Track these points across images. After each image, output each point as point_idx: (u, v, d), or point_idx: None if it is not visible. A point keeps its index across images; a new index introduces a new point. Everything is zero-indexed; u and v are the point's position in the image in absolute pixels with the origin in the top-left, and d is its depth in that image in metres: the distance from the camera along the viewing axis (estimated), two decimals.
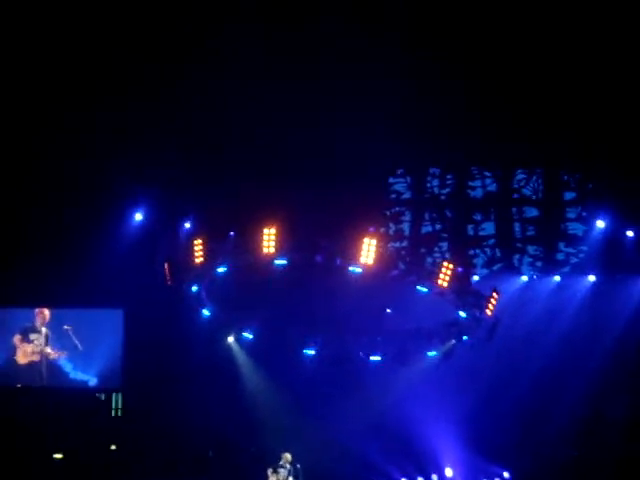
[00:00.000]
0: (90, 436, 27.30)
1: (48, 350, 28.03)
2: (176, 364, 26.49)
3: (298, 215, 23.71)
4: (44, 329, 28.02)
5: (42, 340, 28.02)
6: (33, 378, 27.94)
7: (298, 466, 22.77)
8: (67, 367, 28.06)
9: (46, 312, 27.97)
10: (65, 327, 27.76)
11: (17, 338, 28.11)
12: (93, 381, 28.12)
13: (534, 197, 28.49)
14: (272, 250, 22.81)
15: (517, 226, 28.44)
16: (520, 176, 28.36)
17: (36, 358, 28.09)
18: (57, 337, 27.90)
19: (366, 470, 24.83)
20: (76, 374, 28.15)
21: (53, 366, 28.03)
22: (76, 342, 27.64)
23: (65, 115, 25.32)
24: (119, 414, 28.51)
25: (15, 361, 28.17)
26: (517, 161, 28.27)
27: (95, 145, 25.37)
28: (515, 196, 28.58)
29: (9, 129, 25.63)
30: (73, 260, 25.78)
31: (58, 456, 26.99)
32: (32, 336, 28.07)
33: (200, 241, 23.34)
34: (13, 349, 28.14)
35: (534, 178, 28.33)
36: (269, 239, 22.77)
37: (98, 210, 26.06)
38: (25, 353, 28.17)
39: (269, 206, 23.05)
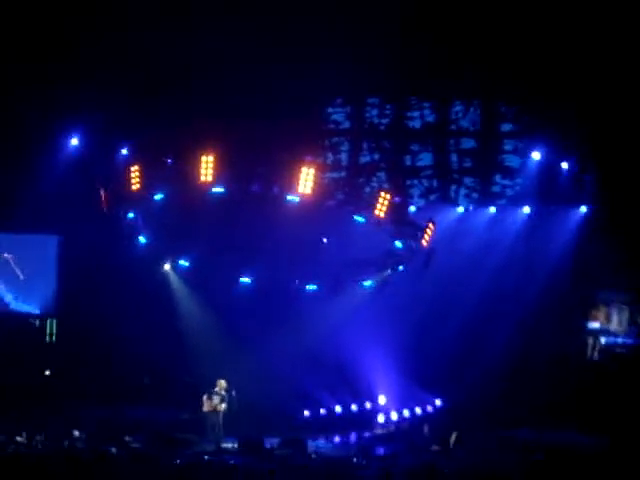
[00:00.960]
0: (24, 361, 27.16)
1: None
2: (112, 291, 26.42)
3: (236, 143, 23.54)
4: None
5: None
6: None
7: (233, 393, 22.91)
8: (7, 298, 27.80)
9: None
10: (5, 255, 27.44)
11: None
12: (36, 311, 28.02)
13: (471, 129, 28.57)
14: (209, 178, 22.66)
15: (454, 157, 28.53)
16: (458, 107, 28.38)
17: None
18: None
19: (301, 398, 25.03)
20: (18, 305, 27.94)
21: None
22: (17, 271, 27.37)
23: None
24: (53, 340, 28.43)
25: None
26: (455, 92, 28.21)
27: (33, 70, 24.90)
28: (452, 127, 28.62)
29: None
30: (9, 185, 25.45)
31: None
32: None
33: (137, 168, 23.11)
34: None
35: (472, 110, 28.37)
36: (206, 167, 22.59)
37: (35, 135, 25.66)
38: None
39: (207, 134, 22.85)
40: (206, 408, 22.98)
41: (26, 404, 24.81)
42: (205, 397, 23.08)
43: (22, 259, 27.37)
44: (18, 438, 20.70)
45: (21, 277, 27.43)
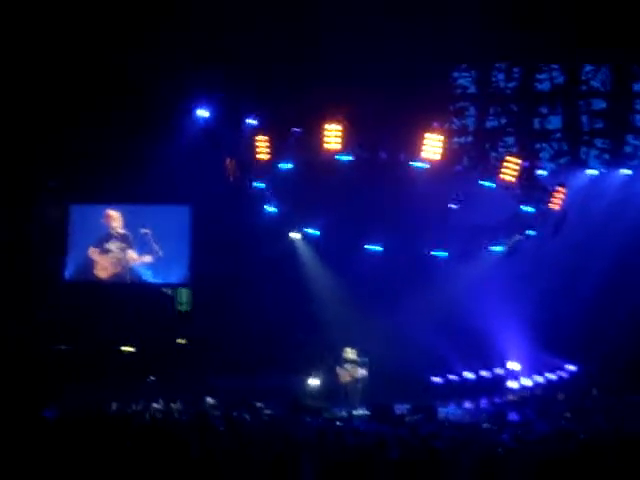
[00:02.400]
0: (159, 330, 27.71)
1: (133, 255, 28.18)
2: (241, 260, 26.73)
3: (362, 111, 23.47)
4: (122, 231, 28.15)
5: (121, 246, 28.11)
6: (119, 293, 28.06)
7: (366, 360, 23.03)
8: (146, 275, 28.33)
9: (113, 214, 28.10)
10: (143, 231, 27.87)
11: (92, 251, 28.11)
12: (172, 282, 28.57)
13: (602, 89, 27.87)
14: (336, 146, 22.67)
15: (584, 119, 27.91)
16: (588, 68, 27.74)
17: (118, 270, 28.24)
18: (136, 243, 28.08)
19: (432, 365, 24.98)
20: (156, 280, 28.51)
21: (136, 275, 28.25)
22: (156, 247, 27.82)
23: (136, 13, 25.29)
24: (186, 309, 28.89)
25: (95, 275, 28.33)
26: (586, 53, 27.54)
27: (160, 44, 25.24)
28: (583, 88, 27.99)
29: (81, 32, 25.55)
30: (140, 157, 25.89)
31: (127, 349, 27.45)
32: (108, 245, 28.15)
33: (264, 137, 23.25)
34: (90, 262, 28.31)
35: (602, 70, 27.68)
36: (333, 135, 22.61)
37: (164, 107, 26.03)
38: (104, 267, 28.24)
39: (334, 102, 22.84)
40: (343, 379, 23.14)
41: (161, 372, 25.36)
42: (338, 368, 23.24)
43: (158, 232, 27.80)
44: (155, 405, 21.17)
45: (160, 254, 27.89)
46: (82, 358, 25.86)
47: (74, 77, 26.05)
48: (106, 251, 28.06)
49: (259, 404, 21.63)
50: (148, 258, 27.97)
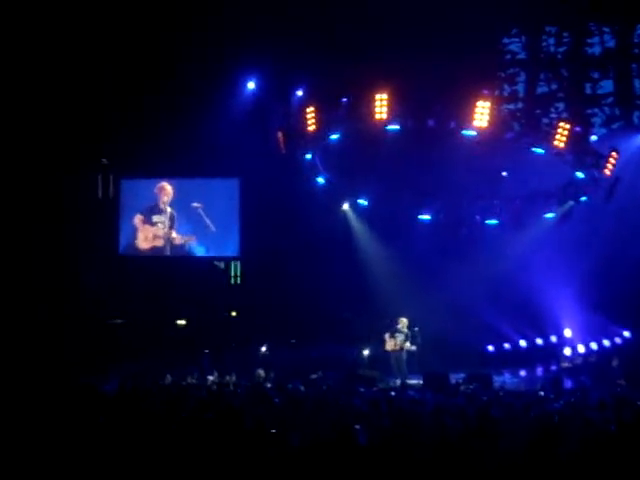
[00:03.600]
0: (211, 303, 27.87)
1: (174, 235, 28.23)
2: (292, 232, 26.75)
3: (410, 80, 23.33)
4: (169, 209, 28.21)
5: (167, 222, 28.25)
6: (155, 265, 28.22)
7: (416, 329, 23.00)
8: (199, 251, 28.43)
9: (167, 187, 28.18)
10: (194, 205, 27.91)
11: (138, 218, 28.26)
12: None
13: None
14: (385, 116, 22.54)
15: (637, 82, 27.52)
16: None
17: (159, 243, 28.31)
18: (185, 218, 28.14)
19: (486, 332, 24.92)
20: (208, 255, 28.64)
21: (180, 251, 28.29)
22: (208, 222, 27.85)
23: None
24: (238, 282, 29.05)
25: (135, 245, 28.52)
26: (637, 15, 27.12)
27: (208, 17, 25.24)
28: (635, 51, 27.58)
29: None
30: (189, 131, 25.98)
31: (181, 322, 27.65)
32: (155, 218, 28.27)
33: (313, 109, 23.18)
34: (134, 231, 28.48)
35: None
36: (381, 105, 22.47)
37: (213, 80, 26.09)
38: (147, 237, 28.29)
39: (381, 72, 22.72)
40: (389, 347, 23.14)
41: (215, 345, 25.53)
42: (387, 335, 23.24)
43: (209, 206, 27.88)
44: (210, 377, 21.32)
45: (212, 229, 27.91)
46: (137, 332, 26.10)
47: (123, 54, 26.15)
48: (151, 222, 28.18)
49: (314, 375, 21.66)
50: (191, 239, 28.06)
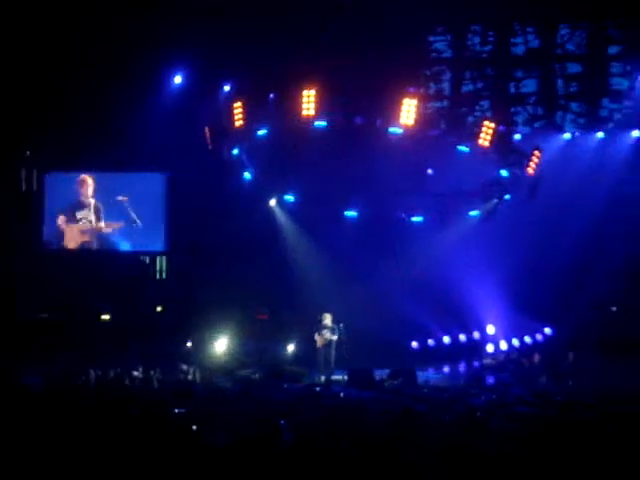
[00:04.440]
0: (136, 298, 27.70)
1: (101, 224, 27.77)
2: (218, 227, 26.66)
3: (337, 76, 23.40)
4: (92, 201, 27.76)
5: (91, 216, 27.82)
6: (80, 259, 27.78)
7: (341, 325, 23.07)
8: (124, 246, 28.06)
9: (89, 180, 27.81)
10: (119, 198, 27.49)
11: (61, 219, 27.69)
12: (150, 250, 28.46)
13: (577, 52, 27.84)
14: (312, 112, 22.59)
15: (560, 82, 27.90)
16: (564, 31, 27.70)
17: (87, 238, 27.85)
18: (109, 211, 27.72)
19: (408, 328, 25.10)
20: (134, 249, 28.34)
21: (107, 243, 27.91)
22: (134, 216, 27.56)
23: None
24: (163, 276, 28.92)
25: (64, 247, 27.99)
26: (561, 15, 27.51)
27: (134, 9, 25.05)
28: (558, 51, 27.96)
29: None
30: (114, 125, 25.76)
31: (105, 317, 27.43)
32: (79, 214, 27.75)
33: (240, 104, 23.15)
34: (60, 233, 27.97)
35: (577, 33, 27.66)
36: (309, 101, 22.53)
37: (138, 74, 25.89)
38: (73, 237, 27.82)
39: (308, 68, 22.77)
40: (319, 344, 23.20)
41: (139, 340, 25.37)
42: (316, 335, 23.27)
43: (134, 200, 27.57)
44: (135, 373, 21.20)
45: (139, 224, 27.63)
46: (61, 327, 25.83)
47: (49, 44, 25.82)
48: (75, 220, 27.75)
49: (242, 372, 21.64)
50: (118, 225, 27.63)
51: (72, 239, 27.83)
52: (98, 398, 12.80)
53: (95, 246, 27.91)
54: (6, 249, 27.15)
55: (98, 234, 27.80)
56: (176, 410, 11.42)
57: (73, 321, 26.25)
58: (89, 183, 27.72)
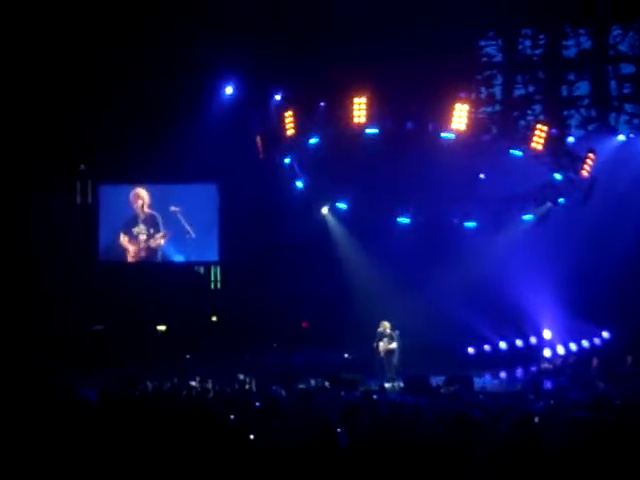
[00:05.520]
0: (191, 308, 27.83)
1: (158, 238, 28.12)
2: (271, 236, 26.80)
3: (388, 83, 23.40)
4: (148, 212, 28.05)
5: (147, 230, 28.04)
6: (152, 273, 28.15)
7: (396, 332, 23.04)
8: (177, 258, 28.35)
9: (142, 193, 28.06)
10: (172, 209, 27.75)
11: (123, 238, 28.14)
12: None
13: (630, 53, 27.57)
14: (363, 119, 22.64)
15: (613, 84, 27.67)
16: (616, 32, 27.44)
17: (144, 253, 28.28)
18: (164, 222, 27.99)
19: (466, 336, 24.98)
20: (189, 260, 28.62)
21: (162, 256, 28.26)
22: (187, 227, 27.74)
23: None
24: (218, 287, 29.03)
25: (126, 262, 28.45)
26: (613, 16, 27.25)
27: (185, 22, 25.22)
28: (611, 53, 27.72)
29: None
30: (167, 137, 25.94)
31: (161, 328, 27.59)
32: (135, 229, 28.13)
33: (291, 113, 23.23)
34: (121, 251, 28.35)
35: (630, 33, 27.38)
36: (359, 108, 22.58)
37: (190, 85, 26.07)
38: (134, 253, 28.29)
39: (359, 75, 22.77)
40: (382, 352, 23.15)
41: (195, 350, 25.50)
42: (379, 343, 23.21)
43: (188, 211, 27.76)
44: (191, 382, 21.29)
45: (192, 235, 27.83)
46: (118, 338, 26.03)
47: (101, 57, 26.07)
48: (135, 237, 28.07)
49: (301, 385, 21.59)
50: (166, 233, 27.90)
51: (132, 256, 28.32)
52: (155, 409, 12.86)
53: (152, 260, 28.14)
54: (64, 261, 27.40)
55: (156, 249, 28.07)
56: (232, 417, 11.44)
57: (130, 333, 26.40)
58: (143, 196, 27.99)
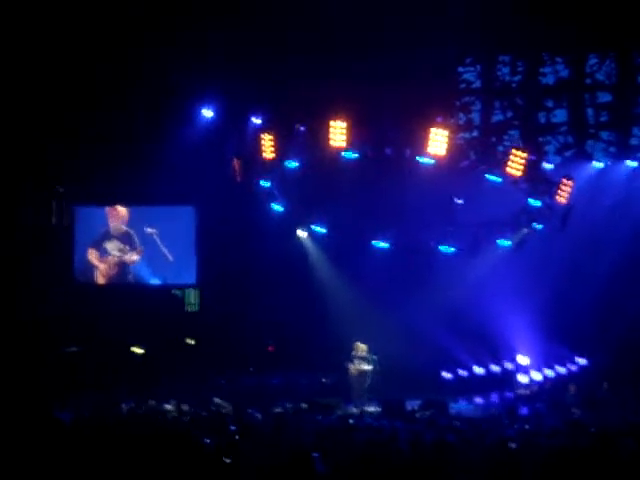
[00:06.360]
0: (167, 331, 27.71)
1: (132, 256, 27.84)
2: (248, 259, 26.79)
3: (367, 108, 23.49)
4: (123, 227, 27.85)
5: (121, 246, 27.74)
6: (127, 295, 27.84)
7: (374, 357, 23.03)
8: (154, 281, 28.13)
9: (121, 210, 27.95)
10: (149, 230, 27.61)
11: (92, 255, 27.78)
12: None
13: (607, 82, 27.80)
14: (342, 144, 22.68)
15: (590, 112, 27.88)
16: (593, 60, 27.68)
17: (116, 271, 27.95)
18: (140, 243, 27.78)
19: (442, 360, 24.99)
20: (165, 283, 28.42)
21: (137, 277, 28.01)
22: (164, 250, 27.58)
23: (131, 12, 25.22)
24: (195, 309, 28.94)
25: (95, 283, 28.10)
26: (590, 45, 27.50)
27: (161, 45, 25.24)
28: (588, 81, 27.94)
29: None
30: (142, 159, 25.92)
31: (137, 350, 27.45)
32: (108, 245, 27.87)
33: (269, 136, 23.26)
34: (90, 268, 28.08)
35: (607, 62, 27.62)
36: (338, 132, 22.62)
37: (168, 108, 26.07)
38: (104, 273, 27.97)
39: (338, 99, 22.84)
40: (353, 373, 23.15)
41: (171, 373, 25.38)
42: (349, 364, 23.24)
43: (164, 234, 27.61)
44: (167, 406, 21.20)
45: (170, 258, 27.71)
46: (92, 360, 25.87)
47: (77, 78, 26.02)
48: (104, 252, 27.81)
49: (277, 409, 21.53)
50: (140, 251, 27.69)
51: (102, 275, 27.98)
52: (129, 432, 12.80)
53: (125, 279, 27.97)
54: (38, 282, 27.26)
55: (126, 268, 27.83)
56: (207, 440, 11.40)
57: (105, 354, 26.25)
58: (120, 211, 27.81)
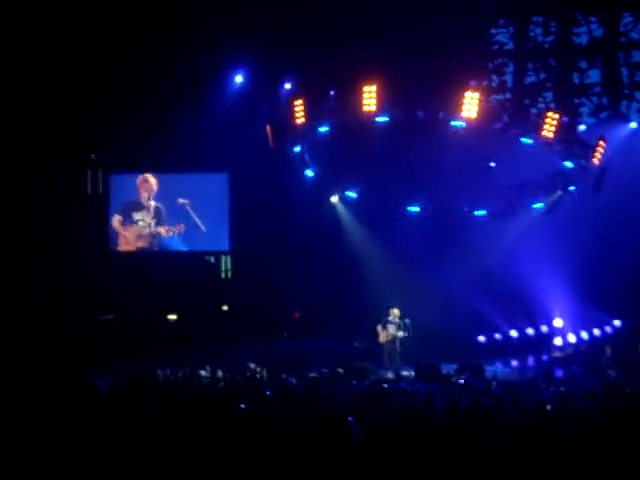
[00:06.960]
0: (202, 298, 27.81)
1: (160, 229, 27.58)
2: (281, 225, 26.76)
3: (399, 71, 23.32)
4: (152, 203, 27.68)
5: (150, 218, 27.59)
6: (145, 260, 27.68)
7: (407, 321, 23.00)
8: (183, 246, 27.82)
9: (151, 180, 27.80)
10: (181, 201, 27.48)
11: (117, 220, 27.59)
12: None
13: None
14: (373, 108, 22.54)
15: (624, 71, 27.56)
16: (627, 19, 27.32)
17: (143, 243, 27.75)
18: (171, 214, 27.54)
19: (475, 323, 24.94)
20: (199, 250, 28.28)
21: (168, 246, 27.68)
22: (197, 221, 27.39)
23: None
24: (229, 276, 29.00)
25: (117, 250, 27.78)
26: (624, 3, 27.13)
27: (195, 11, 25.15)
28: (622, 40, 27.60)
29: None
30: (177, 126, 25.89)
31: (172, 317, 27.58)
32: (136, 215, 27.64)
33: (301, 101, 23.15)
34: (114, 236, 27.87)
35: None
36: (370, 96, 22.47)
37: (200, 75, 26.02)
38: (127, 240, 27.64)
39: (369, 63, 22.68)
40: (382, 338, 23.16)
41: (205, 339, 25.49)
42: (380, 327, 23.25)
43: (197, 201, 27.46)
44: (202, 372, 21.30)
45: (203, 229, 27.44)
46: (128, 327, 26.02)
47: (108, 47, 26.00)
48: (130, 220, 27.62)
49: (312, 374, 21.57)
50: (178, 229, 27.46)
51: (127, 243, 27.73)
52: (165, 398, 12.86)
53: (155, 248, 27.87)
54: (73, 251, 27.36)
55: (157, 239, 27.77)
56: (242, 406, 11.43)
57: (140, 322, 26.40)
58: (152, 183, 27.64)
